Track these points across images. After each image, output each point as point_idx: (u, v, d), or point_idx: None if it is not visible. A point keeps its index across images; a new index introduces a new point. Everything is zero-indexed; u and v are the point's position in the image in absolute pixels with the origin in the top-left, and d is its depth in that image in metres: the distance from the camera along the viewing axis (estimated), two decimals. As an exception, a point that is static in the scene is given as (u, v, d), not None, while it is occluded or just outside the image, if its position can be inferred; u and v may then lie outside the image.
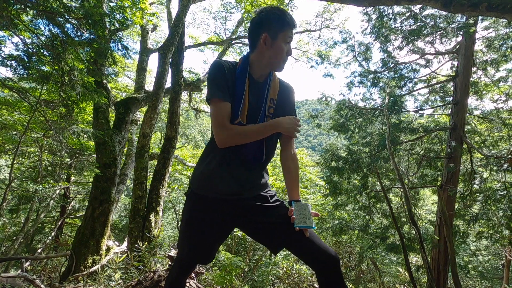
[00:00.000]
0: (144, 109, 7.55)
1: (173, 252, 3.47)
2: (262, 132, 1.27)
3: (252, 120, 1.30)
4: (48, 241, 9.09)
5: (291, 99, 1.46)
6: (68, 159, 8.39)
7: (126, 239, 5.83)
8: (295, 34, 11.15)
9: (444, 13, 6.63)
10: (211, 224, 1.33)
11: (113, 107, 6.88)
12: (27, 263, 6.16)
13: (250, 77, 1.35)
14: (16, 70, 3.65)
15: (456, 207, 7.02)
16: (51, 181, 6.82)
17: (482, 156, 6.79)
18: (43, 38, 3.61)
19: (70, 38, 3.63)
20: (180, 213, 13.60)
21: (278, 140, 1.46)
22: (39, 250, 8.66)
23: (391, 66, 7.96)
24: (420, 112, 8.38)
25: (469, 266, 10.95)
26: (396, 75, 8.08)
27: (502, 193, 6.06)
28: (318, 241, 1.24)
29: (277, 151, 1.47)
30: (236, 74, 1.33)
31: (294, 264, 5.89)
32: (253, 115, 1.31)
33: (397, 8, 7.43)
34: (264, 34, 1.29)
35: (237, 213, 1.34)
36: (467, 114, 7.26)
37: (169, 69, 6.40)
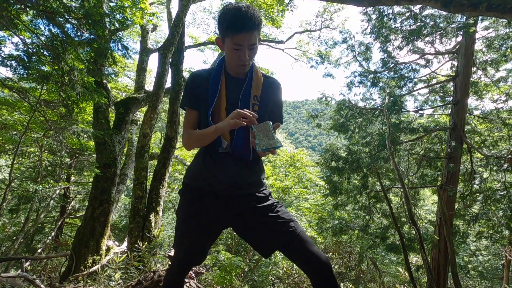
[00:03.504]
0: (144, 109, 7.55)
1: (173, 252, 3.47)
2: (205, 136, 1.25)
3: None
4: (48, 241, 9.09)
5: (276, 95, 1.42)
6: (68, 159, 8.40)
7: (126, 239, 5.83)
8: (295, 34, 11.16)
9: (444, 13, 6.63)
10: (205, 219, 1.31)
11: (113, 107, 6.88)
12: (27, 263, 6.16)
13: (227, 75, 1.35)
14: (16, 70, 3.65)
15: (456, 207, 7.02)
16: (51, 181, 6.83)
17: (482, 156, 6.79)
18: (43, 38, 3.61)
19: (70, 38, 3.62)
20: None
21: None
22: (39, 250, 8.66)
23: (391, 66, 7.96)
24: (420, 112, 8.38)
25: (469, 266, 10.96)
26: (396, 75, 8.08)
27: (502, 193, 6.06)
28: (309, 246, 1.22)
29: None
30: (211, 76, 1.34)
31: (294, 264, 5.88)
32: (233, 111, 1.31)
33: (397, 8, 7.43)
34: (217, 37, 1.30)
35: (229, 210, 1.33)
36: (467, 114, 7.26)
37: (169, 69, 6.40)
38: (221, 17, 1.21)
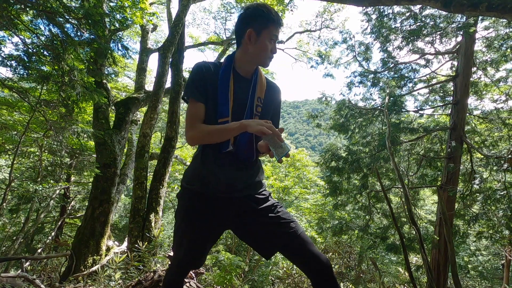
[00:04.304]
0: (144, 109, 7.56)
1: (172, 252, 3.46)
2: (226, 132, 1.21)
3: (238, 116, 1.29)
4: (48, 241, 9.09)
5: (277, 99, 1.46)
6: (68, 159, 8.39)
7: (126, 239, 5.83)
8: (295, 34, 11.17)
9: (444, 13, 6.63)
10: (204, 222, 1.31)
11: (113, 107, 6.88)
12: (27, 263, 6.16)
13: (236, 73, 1.35)
14: (16, 70, 3.65)
15: (456, 207, 7.01)
16: (51, 181, 6.82)
17: (482, 156, 6.79)
18: (43, 38, 3.61)
19: (70, 38, 3.62)
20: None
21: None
22: (39, 250, 8.67)
23: (391, 66, 7.96)
24: (420, 112, 8.38)
25: (469, 266, 10.96)
26: (396, 75, 8.08)
27: (502, 193, 6.06)
28: (309, 247, 1.22)
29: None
30: (220, 73, 1.32)
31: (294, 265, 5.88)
32: (239, 110, 1.31)
33: (397, 8, 7.43)
34: (249, 30, 1.28)
35: (229, 212, 1.32)
36: (467, 114, 7.26)
37: (169, 69, 6.40)
38: (259, 11, 1.28)
